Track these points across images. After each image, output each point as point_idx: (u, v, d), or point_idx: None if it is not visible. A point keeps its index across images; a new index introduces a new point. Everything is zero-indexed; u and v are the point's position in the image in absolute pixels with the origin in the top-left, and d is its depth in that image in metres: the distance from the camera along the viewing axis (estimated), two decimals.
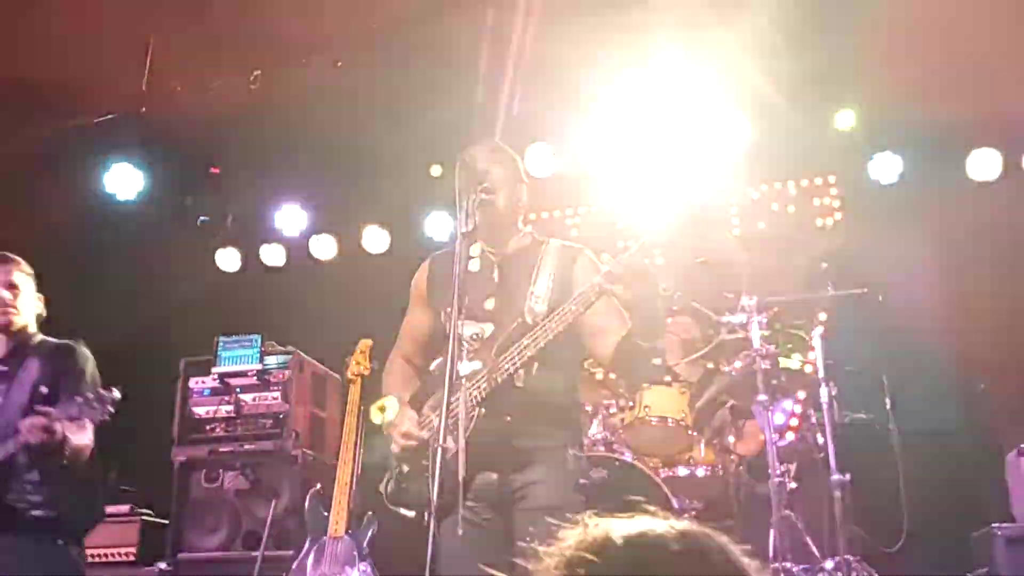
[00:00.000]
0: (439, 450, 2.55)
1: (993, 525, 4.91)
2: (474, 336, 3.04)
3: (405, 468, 3.01)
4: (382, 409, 4.64)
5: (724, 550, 1.16)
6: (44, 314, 4.07)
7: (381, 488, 3.13)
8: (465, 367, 2.97)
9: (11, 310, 3.92)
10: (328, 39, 6.05)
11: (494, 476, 2.95)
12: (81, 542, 3.96)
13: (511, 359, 2.91)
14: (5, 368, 3.92)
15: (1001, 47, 5.78)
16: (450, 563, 2.81)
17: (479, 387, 2.92)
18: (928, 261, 6.37)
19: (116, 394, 3.65)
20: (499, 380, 2.90)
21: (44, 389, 3.66)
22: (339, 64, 6.10)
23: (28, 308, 3.99)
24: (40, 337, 4.03)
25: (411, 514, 3.02)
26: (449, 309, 2.86)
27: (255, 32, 6.05)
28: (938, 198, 6.46)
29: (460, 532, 2.70)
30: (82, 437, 3.78)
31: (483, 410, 2.90)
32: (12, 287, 3.94)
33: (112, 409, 3.64)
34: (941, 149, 6.42)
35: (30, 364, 3.88)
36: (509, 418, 2.92)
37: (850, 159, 6.56)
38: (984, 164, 6.31)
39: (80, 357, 3.94)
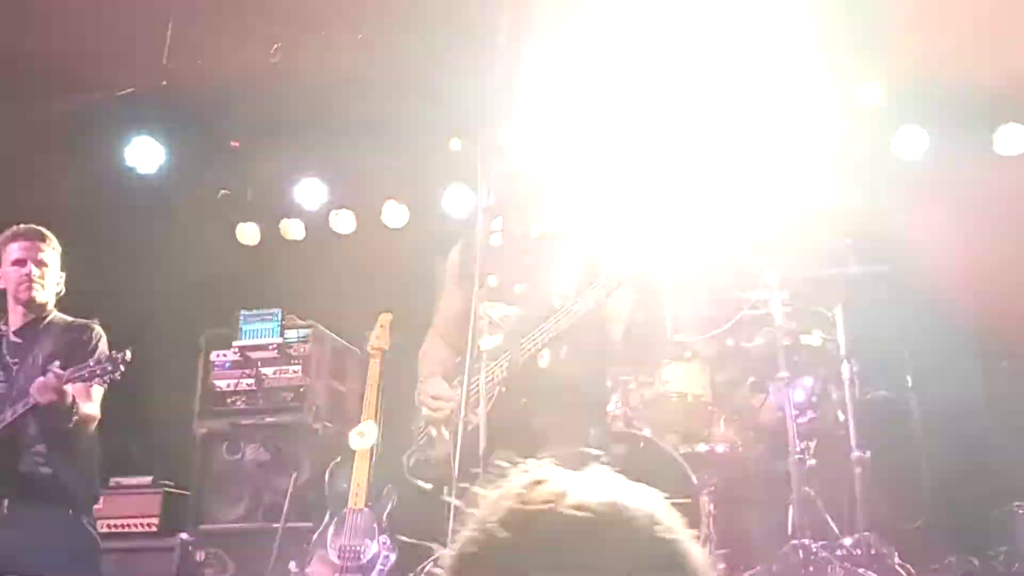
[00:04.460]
0: (460, 424, 2.56)
1: (1015, 503, 4.89)
2: (503, 318, 3.05)
3: (433, 432, 3.00)
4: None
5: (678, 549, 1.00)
6: (63, 292, 4.13)
7: (403, 459, 3.14)
8: (487, 342, 2.98)
9: (36, 285, 4.00)
10: (349, 12, 6.02)
11: (512, 453, 2.95)
12: (91, 512, 4.03)
13: (533, 341, 2.91)
14: (20, 341, 3.99)
15: None
16: None
17: (501, 366, 2.92)
18: (952, 237, 6.30)
19: (127, 355, 3.68)
20: (521, 361, 2.90)
21: (57, 363, 3.69)
22: (360, 37, 6.06)
23: (51, 285, 4.06)
24: (56, 314, 4.09)
25: (428, 487, 3.04)
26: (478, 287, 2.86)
27: (276, 5, 6.03)
28: (964, 173, 6.37)
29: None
30: (90, 406, 3.83)
31: (504, 389, 2.90)
32: (41, 264, 4.02)
33: (123, 368, 3.67)
34: (967, 123, 6.33)
35: (44, 339, 3.96)
36: (526, 400, 2.92)
37: (875, 134, 6.48)
38: (1012, 138, 6.23)
39: (93, 334, 4.01)
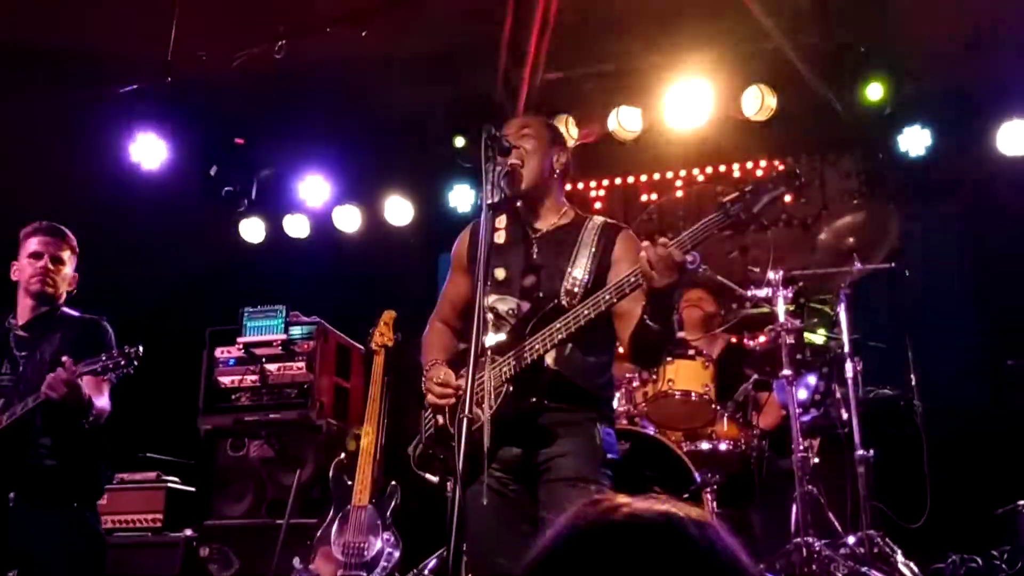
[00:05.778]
0: (464, 420, 2.55)
1: (1018, 502, 4.89)
2: (510, 312, 3.04)
3: (440, 419, 2.98)
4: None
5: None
6: (74, 292, 4.17)
7: (409, 451, 3.13)
8: (491, 339, 2.97)
9: (49, 281, 4.04)
10: (353, 8, 6.02)
11: (519, 450, 2.94)
12: (95, 506, 4.05)
13: (542, 340, 2.89)
14: (27, 335, 4.00)
15: None
16: (473, 532, 2.81)
17: (508, 363, 2.91)
18: (955, 235, 6.30)
19: (139, 349, 3.71)
20: (528, 360, 2.89)
21: (65, 359, 3.70)
22: (364, 34, 6.06)
23: (62, 283, 4.11)
24: (64, 309, 4.13)
25: (435, 479, 3.03)
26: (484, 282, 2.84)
27: (280, 2, 6.03)
28: (966, 171, 6.38)
29: (484, 502, 2.72)
30: (102, 401, 3.85)
31: (511, 387, 2.89)
32: (58, 261, 4.08)
33: (136, 363, 3.70)
34: (970, 122, 6.34)
35: (52, 334, 3.98)
36: (535, 399, 2.90)
37: (879, 132, 6.48)
38: (1014, 136, 6.22)
39: (102, 330, 4.05)
